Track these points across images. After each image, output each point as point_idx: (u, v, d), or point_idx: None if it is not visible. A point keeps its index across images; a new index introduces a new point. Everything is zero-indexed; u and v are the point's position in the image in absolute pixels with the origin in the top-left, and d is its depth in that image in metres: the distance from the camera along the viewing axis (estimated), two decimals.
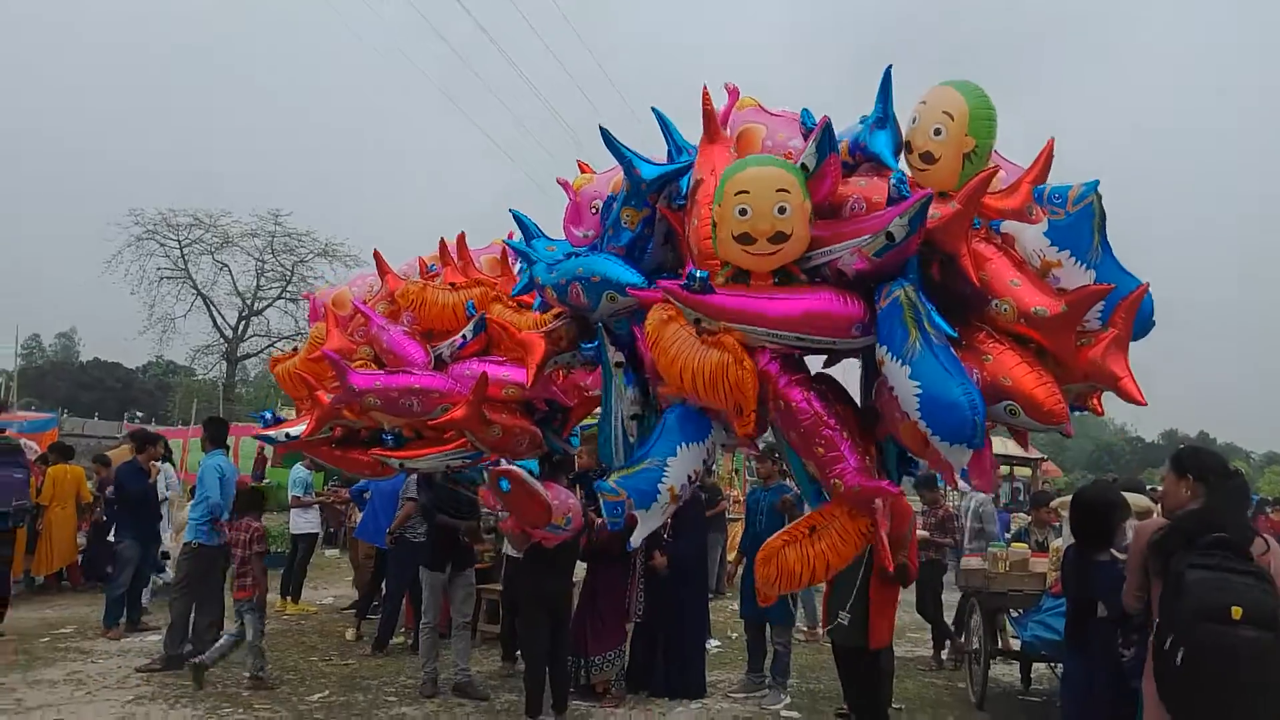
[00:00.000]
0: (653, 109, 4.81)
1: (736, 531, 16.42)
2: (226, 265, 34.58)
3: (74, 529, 11.10)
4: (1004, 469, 19.43)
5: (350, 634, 8.77)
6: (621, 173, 4.70)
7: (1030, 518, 8.78)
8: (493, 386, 5.63)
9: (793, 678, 7.79)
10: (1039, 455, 19.85)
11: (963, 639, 7.99)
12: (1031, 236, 4.00)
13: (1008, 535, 9.36)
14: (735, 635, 9.62)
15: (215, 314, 35.03)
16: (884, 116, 4.29)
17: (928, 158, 4.01)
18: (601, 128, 4.63)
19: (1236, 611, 3.36)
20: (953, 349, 3.77)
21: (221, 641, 7.03)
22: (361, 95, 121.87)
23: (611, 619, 6.94)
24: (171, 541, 11.46)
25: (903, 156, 4.22)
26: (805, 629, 9.68)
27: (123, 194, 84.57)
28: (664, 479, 4.25)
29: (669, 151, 4.82)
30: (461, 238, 6.52)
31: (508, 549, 7.52)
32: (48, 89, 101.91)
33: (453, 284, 6.21)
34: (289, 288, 35.32)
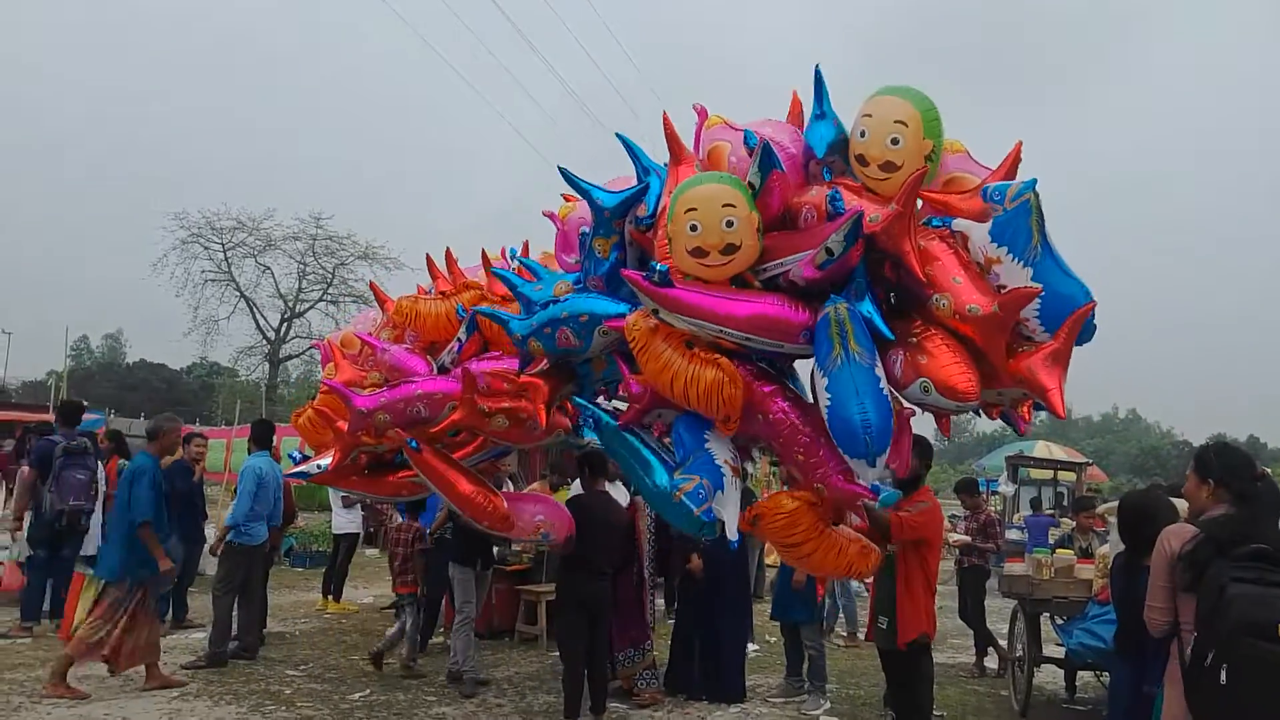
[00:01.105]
0: (617, 135, 5.00)
1: None
2: (269, 268, 35.13)
3: None
4: (1048, 474, 19.16)
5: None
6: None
7: (1074, 523, 8.65)
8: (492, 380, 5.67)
9: (832, 683, 7.72)
10: (1084, 460, 19.55)
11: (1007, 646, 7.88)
12: (978, 234, 4.08)
13: (1052, 541, 9.22)
14: (774, 639, 9.56)
15: (258, 316, 35.59)
16: (821, 113, 4.54)
17: (889, 167, 4.10)
18: (560, 167, 4.91)
19: None
20: (881, 354, 4.01)
21: (391, 631, 7.60)
22: (395, 94, 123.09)
23: (632, 615, 6.93)
24: (214, 540, 11.64)
25: (855, 167, 4.31)
26: (845, 634, 9.61)
27: (168, 196, 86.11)
28: (715, 457, 4.47)
29: (637, 173, 4.94)
30: (449, 254, 6.62)
31: None
32: (94, 92, 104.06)
33: (443, 292, 6.28)
34: (330, 290, 35.80)
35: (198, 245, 33.80)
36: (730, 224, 4.12)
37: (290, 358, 37.96)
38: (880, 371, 3.96)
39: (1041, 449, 19.48)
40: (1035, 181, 3.82)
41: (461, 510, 6.02)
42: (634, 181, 4.91)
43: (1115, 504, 6.97)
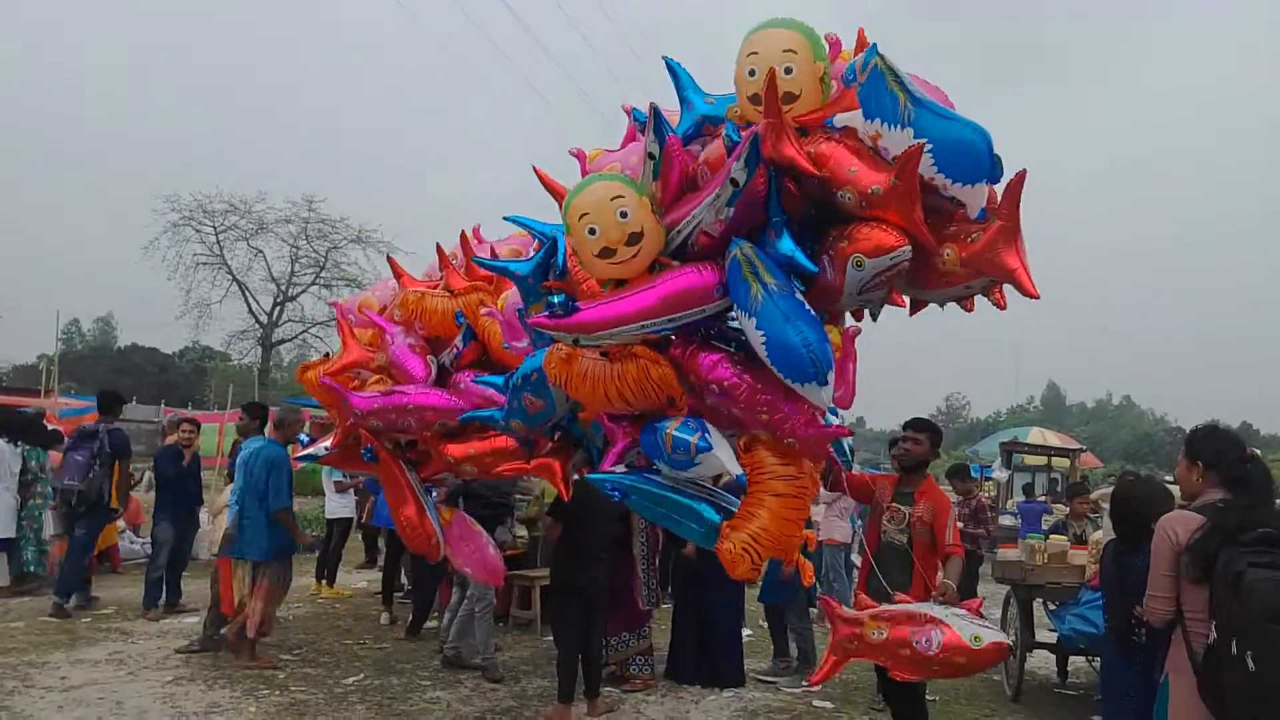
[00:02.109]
0: (665, 59, 4.77)
1: None
2: (261, 251, 35.00)
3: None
4: (1041, 460, 19.23)
5: (384, 618, 8.85)
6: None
7: (1068, 509, 8.68)
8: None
9: None
10: (1078, 446, 19.62)
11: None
12: (860, 120, 3.98)
13: (1045, 527, 9.26)
14: (766, 624, 9.62)
15: (250, 299, 35.48)
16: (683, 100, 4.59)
17: (788, 98, 3.98)
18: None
19: None
20: (803, 289, 3.92)
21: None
22: (386, 76, 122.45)
23: (625, 599, 6.94)
24: (208, 525, 11.64)
25: (751, 110, 4.13)
26: None
27: (159, 178, 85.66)
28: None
29: (681, 105, 4.73)
30: (464, 237, 6.44)
31: None
32: (84, 72, 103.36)
33: (450, 290, 6.17)
34: (323, 273, 35.70)
35: (189, 228, 33.68)
36: (624, 214, 4.05)
37: (283, 342, 37.85)
38: (801, 298, 3.85)
39: (1036, 435, 19.58)
40: (875, 46, 3.76)
41: (397, 527, 6.61)
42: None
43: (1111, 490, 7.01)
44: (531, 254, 5.00)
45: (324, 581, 10.27)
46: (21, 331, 68.08)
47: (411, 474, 6.51)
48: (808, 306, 3.82)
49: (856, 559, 11.93)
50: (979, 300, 3.99)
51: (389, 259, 6.95)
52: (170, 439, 9.45)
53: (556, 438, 5.38)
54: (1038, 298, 3.64)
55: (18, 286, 73.13)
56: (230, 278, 34.74)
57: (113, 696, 6.12)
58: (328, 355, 7.64)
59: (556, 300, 4.09)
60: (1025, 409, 78.82)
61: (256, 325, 36.04)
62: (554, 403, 4.88)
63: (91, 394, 25.77)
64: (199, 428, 9.90)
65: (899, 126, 3.71)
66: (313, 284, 35.99)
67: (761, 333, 3.81)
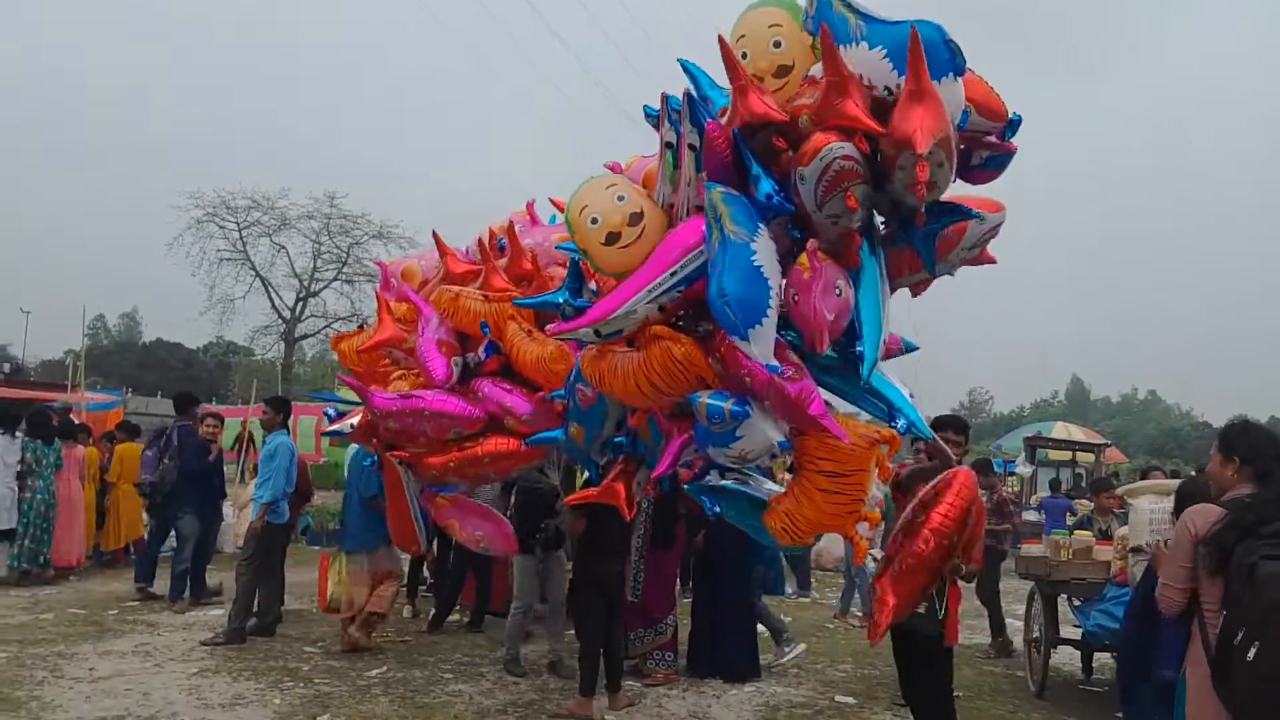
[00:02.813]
0: (680, 60, 4.67)
1: None
2: (284, 247, 35.18)
3: (140, 505, 11.41)
4: (1066, 455, 19.08)
5: (407, 611, 8.89)
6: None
7: (1092, 505, 8.60)
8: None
9: (848, 663, 7.78)
10: (1103, 441, 19.45)
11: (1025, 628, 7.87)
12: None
13: (1070, 523, 9.19)
14: (790, 619, 9.60)
15: (273, 295, 35.68)
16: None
17: (782, 71, 4.01)
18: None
19: None
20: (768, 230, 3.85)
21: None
22: (400, 72, 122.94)
23: (645, 593, 6.97)
24: (233, 518, 11.75)
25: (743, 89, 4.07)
26: (860, 614, 9.62)
27: (185, 174, 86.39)
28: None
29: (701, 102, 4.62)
30: (511, 230, 6.37)
31: None
32: (112, 71, 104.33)
33: (485, 295, 6.12)
34: (345, 269, 35.84)
35: (213, 224, 33.89)
36: (621, 198, 4.19)
37: (305, 337, 38.06)
38: (760, 246, 3.75)
39: (1060, 430, 19.43)
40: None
41: (390, 525, 6.98)
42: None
43: (1134, 485, 6.95)
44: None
45: None
46: (49, 327, 69.19)
47: (406, 474, 6.64)
48: (759, 260, 3.72)
49: (875, 552, 11.81)
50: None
51: (434, 235, 6.87)
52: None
53: (620, 460, 5.27)
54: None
55: (45, 283, 74.00)
56: (253, 273, 34.97)
57: (140, 688, 6.18)
58: (362, 327, 7.68)
59: (560, 300, 4.27)
60: (1049, 403, 78.08)
61: (279, 320, 36.24)
62: (604, 398, 4.84)
63: (117, 388, 26.10)
64: (223, 422, 9.99)
65: (854, 44, 3.69)
66: (335, 279, 36.17)
67: (708, 284, 3.79)
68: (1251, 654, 3.18)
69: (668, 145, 4.23)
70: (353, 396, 6.87)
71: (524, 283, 6.15)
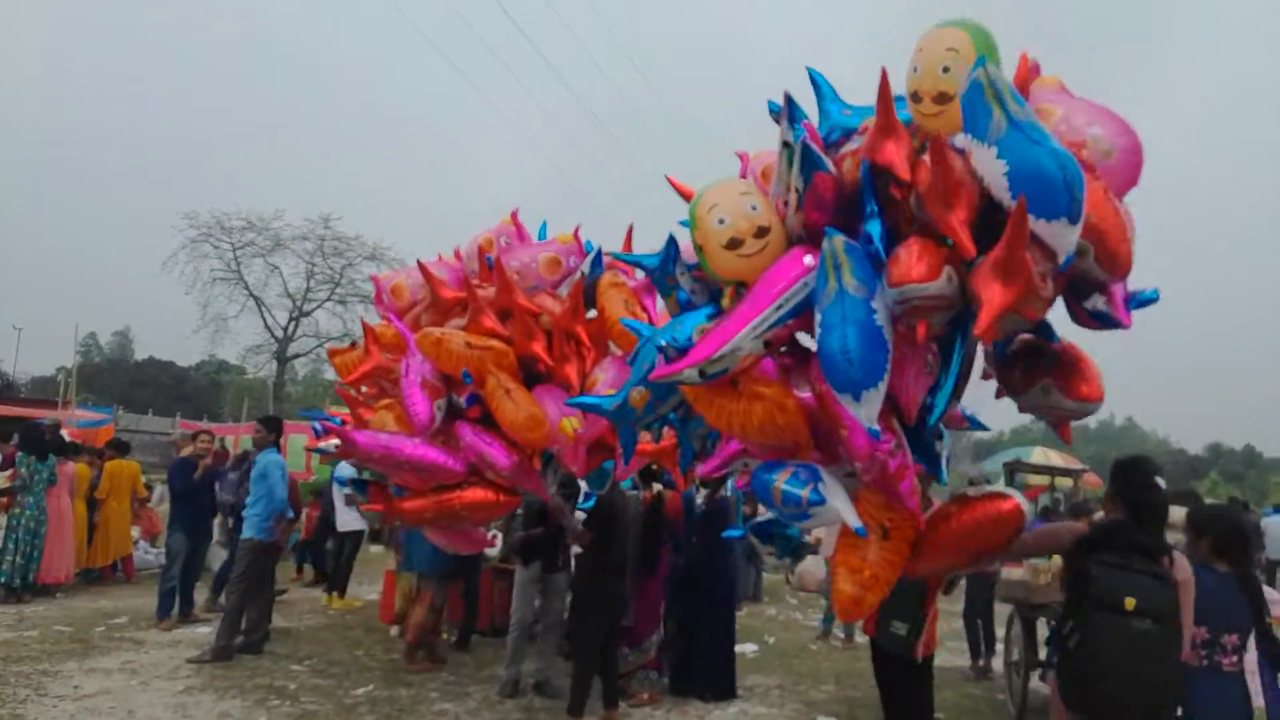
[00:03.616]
0: (808, 69, 4.62)
1: None
2: (278, 267, 35.39)
3: (129, 522, 11.45)
4: (1045, 479, 19.18)
5: (394, 630, 8.92)
6: None
7: None
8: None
9: (830, 684, 7.84)
10: (1081, 467, 19.56)
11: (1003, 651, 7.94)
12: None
13: None
14: (772, 640, 9.65)
15: (266, 315, 35.83)
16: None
17: (942, 99, 3.83)
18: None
19: (1130, 602, 3.62)
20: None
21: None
22: (394, 91, 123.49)
23: (636, 613, 7.03)
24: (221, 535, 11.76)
25: (910, 106, 3.97)
26: (842, 636, 9.67)
27: (179, 194, 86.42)
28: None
29: (820, 115, 4.54)
30: (498, 266, 6.26)
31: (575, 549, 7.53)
32: (105, 90, 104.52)
33: (469, 342, 6.02)
34: (337, 290, 35.99)
35: (207, 245, 34.10)
36: (754, 208, 4.08)
37: (297, 356, 38.12)
38: (880, 305, 3.66)
39: (1039, 455, 19.49)
40: (983, 59, 3.52)
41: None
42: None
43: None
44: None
45: (334, 593, 10.36)
46: (40, 344, 68.99)
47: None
48: (880, 319, 3.63)
49: None
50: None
51: (420, 264, 6.80)
52: (185, 451, 9.57)
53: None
54: (987, 341, 3.61)
55: (37, 300, 73.89)
56: (247, 293, 35.13)
57: (124, 705, 6.20)
58: (354, 344, 7.73)
59: (661, 343, 4.11)
60: (1028, 428, 78.09)
61: (272, 340, 36.33)
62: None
63: (108, 405, 26.06)
64: (215, 440, 10.04)
65: (985, 144, 3.51)
66: (328, 300, 36.33)
67: (820, 329, 3.74)
68: (1072, 644, 3.73)
69: (784, 145, 4.09)
70: (343, 412, 6.95)
71: (509, 318, 6.18)
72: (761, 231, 4.06)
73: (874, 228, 3.79)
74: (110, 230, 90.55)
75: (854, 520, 3.96)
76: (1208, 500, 7.57)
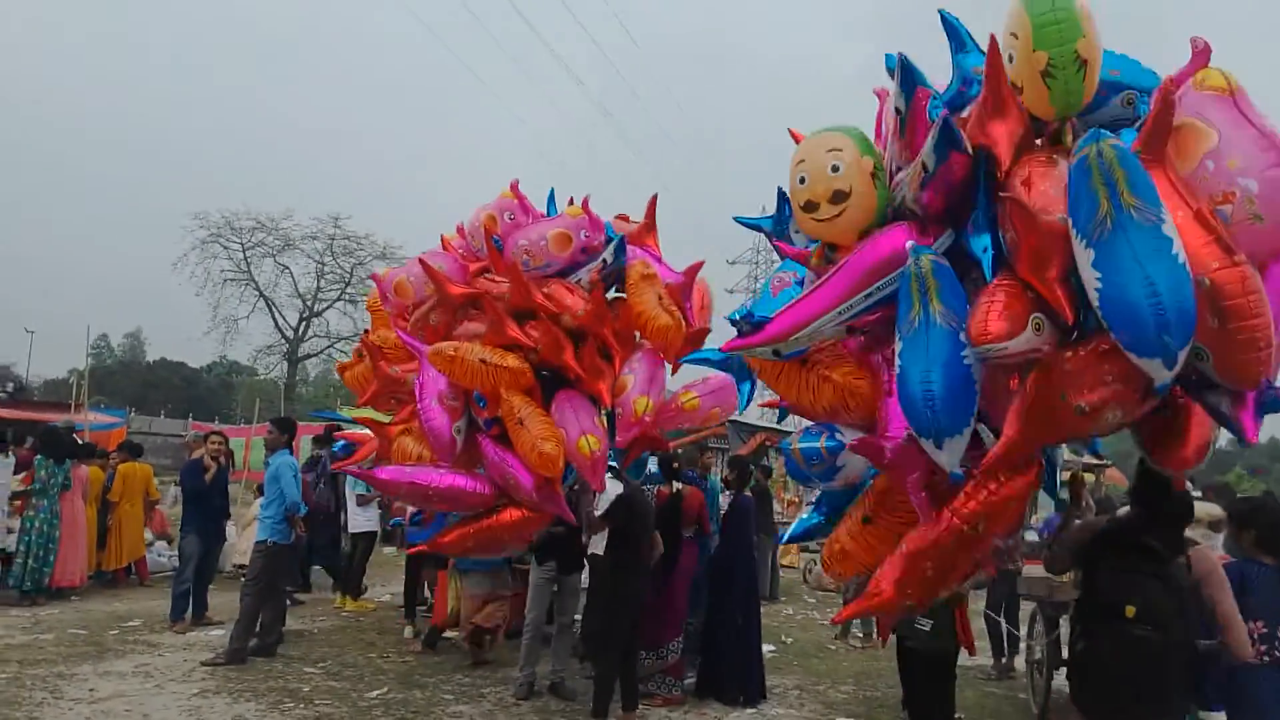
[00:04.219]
0: (941, 12, 4.27)
1: None
2: (288, 268, 35.49)
3: (142, 525, 11.42)
4: (1065, 475, 19.05)
5: (408, 631, 8.87)
6: None
7: None
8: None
9: (849, 684, 7.77)
10: (1104, 461, 19.39)
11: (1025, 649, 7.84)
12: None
13: None
14: (790, 640, 9.58)
15: (277, 315, 35.93)
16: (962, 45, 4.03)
17: (838, 197, 3.72)
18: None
19: (1130, 610, 3.65)
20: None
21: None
22: (399, 87, 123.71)
23: (649, 616, 6.95)
24: (235, 537, 11.75)
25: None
26: (861, 635, 9.59)
27: (188, 195, 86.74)
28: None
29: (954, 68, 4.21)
30: (515, 273, 6.07)
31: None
32: (112, 90, 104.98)
33: (484, 359, 5.84)
34: (348, 289, 36.01)
35: (217, 245, 34.20)
36: (835, 168, 3.71)
37: (309, 356, 38.23)
38: (959, 340, 3.33)
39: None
40: (1097, 132, 3.01)
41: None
42: None
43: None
44: None
45: (348, 595, 10.32)
46: (53, 346, 69.43)
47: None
48: (968, 355, 3.29)
49: None
50: None
51: (422, 261, 6.59)
52: (197, 453, 9.53)
53: None
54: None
55: (49, 302, 74.28)
56: (257, 294, 35.22)
57: (139, 709, 6.16)
58: (360, 354, 7.67)
59: (736, 318, 3.84)
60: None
61: (283, 340, 36.43)
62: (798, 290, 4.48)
63: (121, 408, 26.13)
64: (227, 441, 10.00)
65: (1084, 242, 2.99)
66: (338, 299, 36.37)
67: (900, 362, 3.44)
68: (1078, 649, 3.85)
69: (896, 111, 3.81)
70: (361, 415, 6.90)
71: (528, 318, 6.06)
72: (838, 197, 3.73)
73: (980, 241, 3.46)
74: (121, 231, 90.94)
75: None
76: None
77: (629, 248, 6.37)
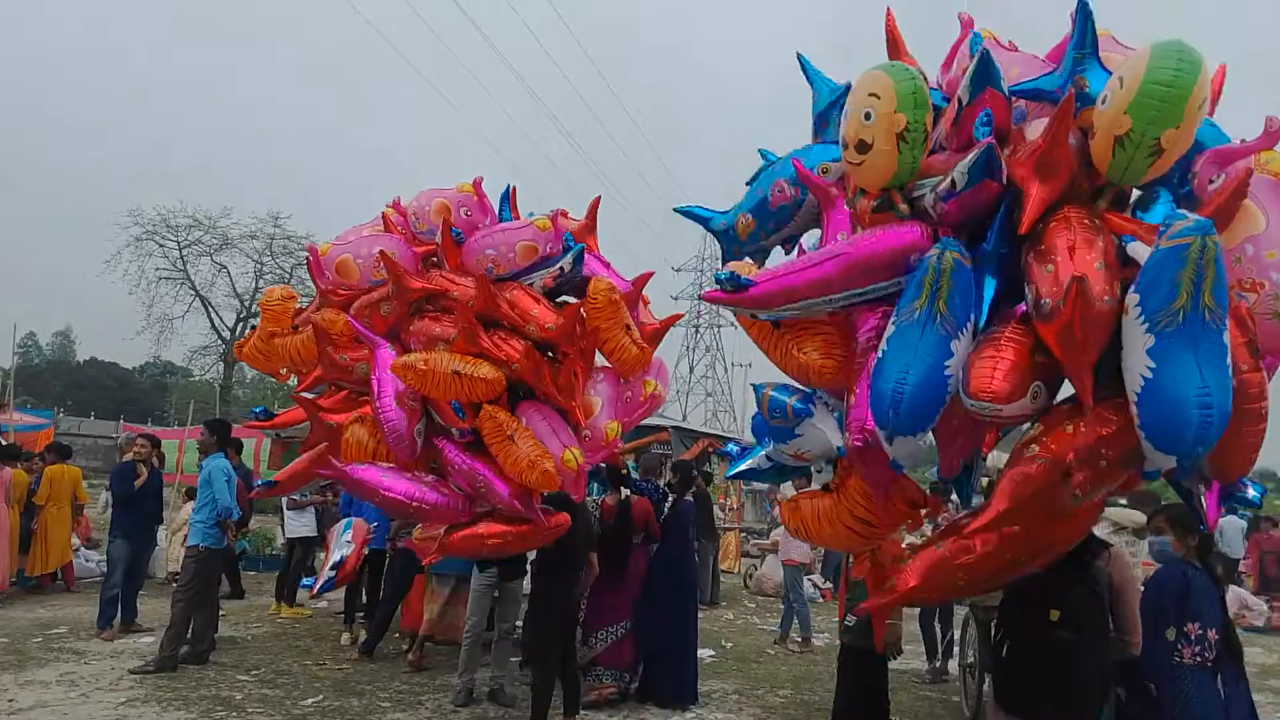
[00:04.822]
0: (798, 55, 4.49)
1: (730, 541, 16.54)
2: (225, 267, 34.65)
3: (69, 529, 11.09)
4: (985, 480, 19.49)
5: (345, 638, 8.75)
6: None
7: None
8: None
9: (787, 688, 7.84)
10: None
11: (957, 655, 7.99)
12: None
13: None
14: (730, 645, 9.64)
15: (213, 315, 35.07)
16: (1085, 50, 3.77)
17: (862, 147, 3.58)
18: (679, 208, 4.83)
19: (1054, 614, 3.80)
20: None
21: None
22: (353, 93, 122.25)
23: (605, 606, 7.05)
24: (166, 543, 11.49)
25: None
26: (799, 639, 9.68)
27: (123, 192, 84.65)
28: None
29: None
30: (482, 285, 5.93)
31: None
32: (44, 84, 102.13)
33: (457, 371, 5.64)
34: None
35: (152, 243, 33.26)
36: (868, 116, 3.52)
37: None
38: (960, 349, 3.28)
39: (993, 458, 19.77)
40: (1209, 225, 2.82)
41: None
42: None
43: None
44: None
45: (283, 601, 10.14)
46: None
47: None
48: (950, 364, 3.26)
49: (815, 578, 12.10)
50: None
51: (383, 255, 6.30)
52: (128, 455, 9.30)
53: None
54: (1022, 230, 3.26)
55: None
56: (193, 293, 34.36)
57: (63, 719, 5.99)
58: (253, 328, 7.41)
59: (721, 276, 3.72)
60: None
61: (219, 341, 35.62)
62: (800, 204, 4.47)
63: (49, 409, 25.41)
64: (157, 444, 9.76)
65: (1145, 327, 2.89)
66: None
67: (885, 347, 3.40)
68: (1004, 651, 4.00)
69: (959, 99, 3.70)
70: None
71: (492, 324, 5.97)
72: (861, 147, 3.58)
73: (988, 284, 3.40)
74: (50, 227, 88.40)
75: (836, 439, 3.89)
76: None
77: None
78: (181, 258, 33.85)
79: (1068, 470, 3.11)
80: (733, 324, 5.18)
